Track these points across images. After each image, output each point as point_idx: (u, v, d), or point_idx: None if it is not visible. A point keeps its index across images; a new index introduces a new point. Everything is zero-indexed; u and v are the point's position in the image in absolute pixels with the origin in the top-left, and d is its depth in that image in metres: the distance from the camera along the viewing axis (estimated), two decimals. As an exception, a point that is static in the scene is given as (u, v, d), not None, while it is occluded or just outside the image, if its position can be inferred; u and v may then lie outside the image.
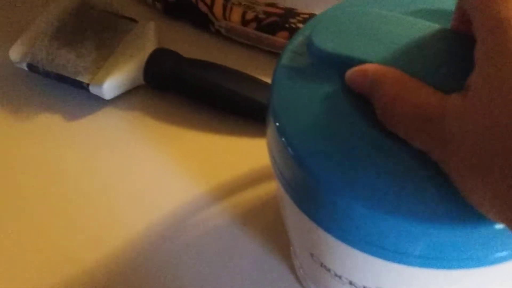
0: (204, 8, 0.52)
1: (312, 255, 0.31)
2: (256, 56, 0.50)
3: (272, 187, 0.42)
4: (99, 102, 0.48)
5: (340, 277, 0.30)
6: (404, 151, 0.25)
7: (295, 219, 0.31)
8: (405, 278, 0.28)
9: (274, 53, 0.50)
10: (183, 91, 0.48)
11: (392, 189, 0.25)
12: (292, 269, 0.39)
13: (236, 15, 0.51)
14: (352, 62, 0.27)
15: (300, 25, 0.49)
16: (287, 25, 0.49)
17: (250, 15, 0.51)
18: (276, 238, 0.40)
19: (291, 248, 0.39)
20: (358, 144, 0.26)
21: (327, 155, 0.26)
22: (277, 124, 0.28)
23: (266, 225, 0.41)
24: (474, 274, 0.26)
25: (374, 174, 0.25)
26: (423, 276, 0.27)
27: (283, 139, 0.27)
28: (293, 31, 0.49)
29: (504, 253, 0.25)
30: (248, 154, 0.44)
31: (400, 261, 0.26)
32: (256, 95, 0.45)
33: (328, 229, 0.27)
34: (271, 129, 0.29)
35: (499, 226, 0.24)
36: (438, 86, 0.25)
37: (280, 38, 0.49)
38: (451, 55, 0.27)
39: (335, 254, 0.29)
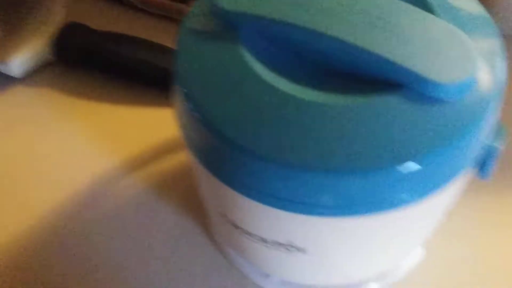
0: (115, -19, 0.51)
1: (224, 215, 0.31)
2: (171, 27, 0.50)
3: (180, 157, 0.42)
4: (9, 80, 0.47)
5: (251, 234, 0.31)
6: (305, 107, 0.26)
7: (205, 181, 0.31)
8: (313, 229, 0.28)
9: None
10: (96, 65, 0.47)
11: (295, 142, 0.25)
12: (209, 234, 0.39)
13: (148, -13, 0.50)
14: (254, 20, 0.28)
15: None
16: (199, -6, 0.49)
17: (162, -15, 0.50)
18: (191, 205, 0.40)
19: (206, 214, 0.39)
20: (261, 103, 0.26)
21: (230, 114, 0.26)
22: (181, 87, 0.28)
23: (181, 194, 0.41)
24: (380, 220, 0.27)
25: (277, 130, 0.26)
26: (331, 226, 0.28)
27: (187, 100, 0.28)
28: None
29: (405, 196, 0.26)
30: (164, 124, 0.44)
31: (306, 212, 0.27)
32: (165, 63, 0.45)
33: (235, 187, 0.28)
34: (176, 94, 0.29)
35: (401, 170, 0.25)
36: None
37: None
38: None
39: (243, 211, 0.29)
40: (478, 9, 0.30)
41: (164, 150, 0.43)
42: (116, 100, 0.46)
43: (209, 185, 0.31)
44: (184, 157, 0.42)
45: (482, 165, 0.29)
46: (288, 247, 0.30)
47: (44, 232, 0.40)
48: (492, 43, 0.28)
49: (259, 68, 0.27)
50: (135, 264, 0.38)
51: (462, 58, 0.27)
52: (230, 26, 0.29)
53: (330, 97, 0.26)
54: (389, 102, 0.26)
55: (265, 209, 0.27)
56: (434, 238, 0.37)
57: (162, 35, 0.47)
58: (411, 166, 0.25)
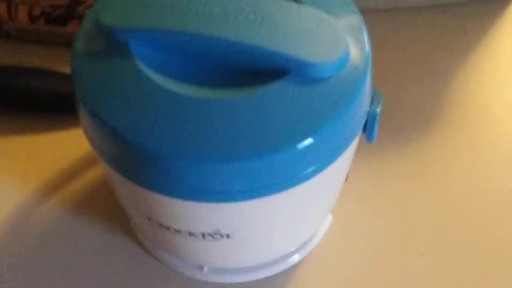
0: (-14, 13, 0.51)
1: (148, 218, 0.33)
2: (53, 51, 0.50)
3: (97, 171, 0.43)
4: None
5: (178, 231, 0.33)
6: (201, 104, 0.28)
7: (124, 189, 0.33)
8: (234, 215, 0.31)
9: (70, 44, 0.50)
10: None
11: (196, 138, 0.28)
12: (136, 239, 0.41)
13: (22, 14, 0.50)
14: (139, 32, 0.30)
15: (89, 12, 0.50)
16: (75, 14, 0.50)
17: (37, 11, 0.50)
18: (114, 215, 0.41)
19: (131, 222, 0.41)
20: (158, 106, 0.29)
21: (133, 120, 0.29)
22: (84, 104, 0.30)
23: (102, 208, 0.42)
24: (291, 195, 0.30)
25: (177, 129, 0.28)
26: (248, 209, 0.31)
27: (91, 114, 0.29)
28: (82, 18, 0.50)
29: (309, 169, 0.30)
30: (68, 146, 0.45)
31: (223, 199, 0.29)
32: (61, 88, 0.45)
33: (153, 188, 0.30)
34: (80, 110, 0.30)
35: (300, 146, 0.28)
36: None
37: (71, 28, 0.50)
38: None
39: (166, 210, 0.31)
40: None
41: (76, 169, 0.44)
42: (16, 130, 0.46)
43: (129, 192, 0.32)
44: (97, 172, 0.43)
45: (367, 130, 0.33)
46: (216, 235, 0.32)
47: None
48: (355, 20, 0.32)
49: (152, 74, 0.29)
50: (64, 282, 0.39)
51: (333, 38, 0.30)
52: (120, 42, 0.30)
53: (223, 93, 0.29)
54: (278, 88, 0.29)
55: (186, 203, 0.30)
56: (338, 204, 0.41)
57: (44, 60, 0.47)
58: (308, 141, 0.28)
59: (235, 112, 0.29)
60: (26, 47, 0.51)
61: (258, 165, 0.28)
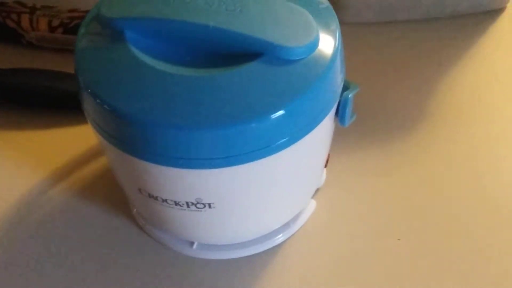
0: (12, 24, 0.56)
1: (140, 190, 0.37)
2: (69, 57, 0.55)
3: (100, 163, 0.47)
4: None
5: (166, 201, 0.36)
6: (187, 81, 0.32)
7: (119, 161, 0.37)
8: (214, 182, 0.34)
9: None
10: (7, 99, 0.52)
11: (183, 109, 0.32)
12: (133, 219, 0.44)
13: (43, 25, 0.56)
14: (134, 21, 0.34)
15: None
16: (90, 23, 0.55)
17: (55, 22, 0.55)
18: (116, 202, 0.45)
19: (130, 206, 0.44)
20: (149, 83, 0.33)
21: (125, 94, 0.33)
22: (85, 85, 0.34)
23: (104, 193, 0.46)
24: (266, 164, 0.34)
25: (165, 101, 0.32)
26: (227, 176, 0.34)
27: (90, 93, 0.33)
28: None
29: (282, 141, 0.33)
30: (75, 140, 0.49)
31: (202, 166, 0.33)
32: (71, 86, 0.50)
33: (142, 157, 0.33)
34: (83, 94, 0.34)
35: (272, 118, 0.31)
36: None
37: (86, 35, 0.54)
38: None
39: (153, 178, 0.35)
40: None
41: (82, 160, 0.48)
42: (29, 126, 0.51)
43: (122, 164, 0.36)
44: (101, 163, 0.47)
45: (339, 113, 0.37)
46: (198, 205, 0.36)
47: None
48: (326, 12, 0.36)
49: (143, 57, 0.33)
50: (70, 264, 0.42)
51: (305, 27, 0.34)
52: (116, 30, 0.35)
53: (205, 71, 0.33)
54: (253, 68, 0.33)
55: (170, 171, 0.33)
56: (322, 191, 0.44)
57: (62, 65, 0.52)
58: (280, 113, 0.32)
59: (215, 87, 0.32)
60: (45, 54, 0.56)
61: (235, 133, 0.32)
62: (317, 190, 0.44)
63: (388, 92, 0.52)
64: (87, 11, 0.56)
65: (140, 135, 0.33)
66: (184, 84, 0.33)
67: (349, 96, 0.36)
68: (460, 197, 0.45)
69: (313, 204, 0.44)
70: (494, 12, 0.58)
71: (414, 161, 0.47)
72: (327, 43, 0.34)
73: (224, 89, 0.32)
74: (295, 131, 0.33)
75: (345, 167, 0.46)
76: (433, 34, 0.57)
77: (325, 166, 0.42)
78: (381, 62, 0.55)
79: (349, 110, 0.37)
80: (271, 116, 0.32)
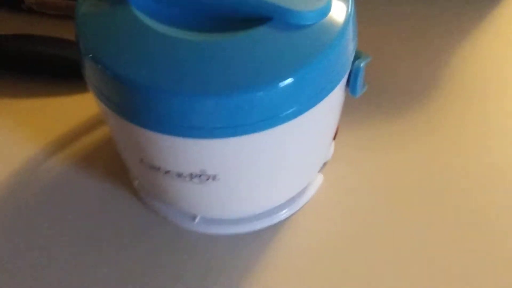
0: (11, -11, 0.54)
1: (142, 161, 0.35)
2: (70, 24, 0.53)
3: (100, 133, 0.46)
4: None
5: (169, 172, 0.35)
6: (193, 46, 0.31)
7: (121, 130, 0.35)
8: (219, 152, 0.33)
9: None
10: (7, 65, 0.50)
11: (188, 76, 0.30)
12: (134, 192, 0.43)
13: (43, -10, 0.54)
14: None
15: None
16: (92, -11, 0.53)
17: (57, -13, 0.54)
18: (117, 172, 0.44)
19: (130, 177, 0.43)
20: (155, 48, 0.31)
21: (129, 60, 0.31)
22: (86, 49, 0.32)
23: (103, 163, 0.44)
24: (275, 134, 0.32)
25: (171, 67, 0.30)
26: (232, 147, 0.32)
27: (93, 58, 0.32)
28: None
29: (292, 109, 0.31)
30: (76, 109, 0.48)
31: (208, 135, 0.31)
32: (70, 54, 0.48)
33: (145, 125, 0.32)
34: (85, 60, 0.33)
35: (282, 85, 0.30)
36: None
37: (88, 1, 0.53)
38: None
39: (157, 148, 0.33)
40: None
41: (82, 129, 0.47)
42: (28, 94, 0.49)
43: (124, 133, 0.35)
44: (102, 132, 0.46)
45: (350, 83, 0.35)
46: (202, 177, 0.34)
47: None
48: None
49: (147, 21, 0.32)
50: (68, 237, 0.41)
51: (316, -9, 0.32)
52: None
53: (211, 36, 0.31)
54: (261, 33, 0.31)
55: (174, 140, 0.32)
56: (329, 166, 0.43)
57: (63, 32, 0.50)
58: (288, 81, 0.30)
59: (222, 53, 0.31)
60: (46, 20, 0.55)
61: (240, 101, 0.30)
62: (325, 163, 0.42)
63: (399, 63, 0.50)
64: (89, -23, 0.54)
65: (142, 102, 0.31)
66: (189, 49, 0.31)
67: (361, 65, 0.35)
68: (470, 174, 0.43)
69: (320, 178, 0.43)
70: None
71: (425, 136, 0.45)
72: (339, 8, 0.32)
73: (230, 55, 0.31)
74: (303, 100, 0.32)
75: (354, 140, 0.44)
76: (447, 5, 0.55)
77: (334, 138, 0.40)
78: (393, 33, 0.53)
79: (360, 79, 0.35)
80: (279, 84, 0.30)
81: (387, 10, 0.55)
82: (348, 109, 0.39)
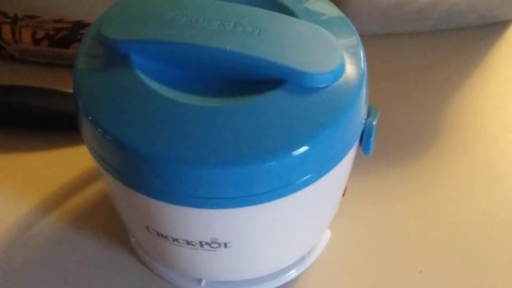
0: (-8, 36, 0.52)
1: (147, 228, 0.33)
2: (55, 72, 0.51)
3: (97, 188, 0.44)
4: None
5: (177, 240, 0.33)
6: (202, 112, 0.29)
7: (125, 198, 0.33)
8: (232, 221, 0.31)
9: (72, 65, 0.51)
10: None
11: (197, 145, 0.28)
12: (135, 254, 0.41)
13: (26, 37, 0.51)
14: (140, 44, 0.31)
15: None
16: (78, 36, 0.51)
17: (40, 34, 0.51)
18: (113, 230, 0.42)
19: (129, 236, 0.41)
20: (160, 114, 0.29)
21: (128, 125, 0.29)
22: (85, 113, 0.30)
23: (102, 224, 0.42)
24: (288, 202, 0.30)
25: (179, 136, 0.29)
26: (247, 216, 0.31)
27: (93, 124, 0.30)
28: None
29: (306, 177, 0.30)
30: (67, 163, 0.45)
31: (222, 206, 0.30)
32: (63, 106, 0.46)
33: (154, 195, 0.30)
34: (83, 122, 0.31)
35: (295, 154, 0.28)
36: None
37: (74, 49, 0.51)
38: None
39: (165, 218, 0.32)
40: (335, 11, 0.34)
41: (76, 185, 0.44)
42: (17, 148, 0.47)
43: (129, 201, 0.33)
44: (98, 188, 0.43)
45: (363, 142, 0.34)
46: (213, 244, 0.32)
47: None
48: (351, 38, 0.33)
49: (152, 84, 0.30)
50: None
51: (330, 51, 0.31)
52: (121, 53, 0.31)
53: (221, 101, 0.30)
54: (274, 97, 0.30)
55: (185, 210, 0.30)
56: (336, 220, 0.41)
57: (48, 81, 0.48)
58: (304, 148, 0.29)
59: (232, 119, 0.29)
60: (29, 68, 0.52)
61: (254, 171, 0.28)
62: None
63: (399, 111, 0.49)
64: (74, 22, 0.52)
65: (148, 171, 0.29)
66: (197, 115, 0.29)
67: (373, 123, 0.33)
68: (484, 226, 0.42)
69: (327, 234, 0.41)
70: (503, 24, 0.56)
71: (433, 188, 0.44)
72: (352, 67, 0.31)
73: (241, 121, 0.29)
74: (320, 166, 0.30)
75: (360, 194, 0.43)
76: (440, 47, 0.54)
77: (343, 195, 0.39)
78: (387, 77, 0.52)
79: (373, 138, 0.34)
80: (294, 152, 0.28)
81: (378, 51, 0.54)
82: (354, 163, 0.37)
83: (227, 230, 0.32)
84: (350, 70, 0.31)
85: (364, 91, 0.32)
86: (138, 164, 0.29)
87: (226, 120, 0.29)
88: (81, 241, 0.41)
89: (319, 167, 0.30)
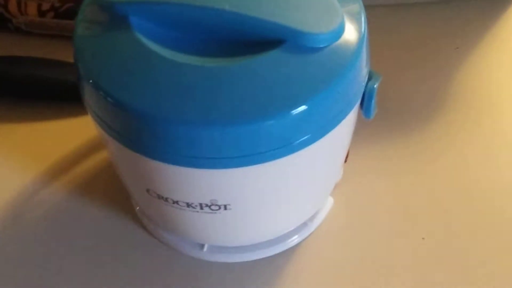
0: (-2, 8, 0.52)
1: (148, 191, 0.33)
2: (61, 44, 0.51)
3: (99, 156, 0.44)
4: None
5: (177, 202, 0.33)
6: (202, 72, 0.29)
7: (126, 161, 0.33)
8: (232, 182, 0.31)
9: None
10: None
11: (197, 104, 0.28)
12: (137, 219, 0.41)
13: (32, 9, 0.52)
14: (140, 6, 0.31)
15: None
16: (83, 7, 0.51)
17: (46, 6, 0.51)
18: (116, 197, 0.42)
19: (134, 204, 0.41)
20: (160, 74, 0.29)
21: (128, 86, 0.29)
22: (86, 74, 0.30)
23: (105, 192, 0.43)
24: (288, 162, 0.30)
25: (179, 96, 0.29)
26: (246, 176, 0.31)
27: (93, 84, 0.30)
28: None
29: (307, 136, 0.30)
30: (71, 133, 0.46)
31: (222, 166, 0.30)
32: (66, 76, 0.46)
33: (154, 156, 0.30)
34: (85, 87, 0.31)
35: (296, 112, 0.28)
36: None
37: (80, 20, 0.51)
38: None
39: (166, 179, 0.32)
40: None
41: (80, 154, 0.44)
42: (21, 118, 0.47)
43: (130, 163, 0.33)
44: (101, 157, 0.44)
45: (364, 105, 0.33)
46: (213, 207, 0.32)
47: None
48: (354, 4, 0.32)
49: (151, 45, 0.30)
50: (69, 268, 0.39)
51: (329, 12, 0.31)
52: (119, 15, 0.31)
53: (219, 61, 0.30)
54: (273, 57, 0.30)
55: (185, 171, 0.30)
56: (339, 188, 0.41)
57: (53, 53, 0.48)
58: (302, 108, 0.28)
59: (231, 79, 0.29)
60: (35, 41, 0.52)
61: (252, 131, 0.28)
62: (335, 185, 0.41)
63: (405, 82, 0.49)
64: (79, -6, 0.53)
65: (149, 131, 0.29)
66: (196, 75, 0.29)
67: (375, 86, 0.33)
68: (486, 193, 0.42)
69: (330, 201, 0.41)
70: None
71: (437, 155, 0.44)
72: (352, 28, 0.31)
73: (240, 81, 0.29)
74: (318, 127, 0.30)
75: (363, 160, 0.43)
76: (448, 17, 0.54)
77: (345, 161, 0.39)
78: (396, 47, 0.51)
79: (374, 101, 0.34)
80: (292, 112, 0.28)
81: (387, 21, 0.53)
82: (356, 129, 0.37)
83: (226, 191, 0.32)
84: (350, 32, 0.31)
85: (364, 53, 0.31)
86: (138, 124, 0.29)
87: (225, 80, 0.29)
88: (85, 208, 0.42)
89: (318, 127, 0.30)
